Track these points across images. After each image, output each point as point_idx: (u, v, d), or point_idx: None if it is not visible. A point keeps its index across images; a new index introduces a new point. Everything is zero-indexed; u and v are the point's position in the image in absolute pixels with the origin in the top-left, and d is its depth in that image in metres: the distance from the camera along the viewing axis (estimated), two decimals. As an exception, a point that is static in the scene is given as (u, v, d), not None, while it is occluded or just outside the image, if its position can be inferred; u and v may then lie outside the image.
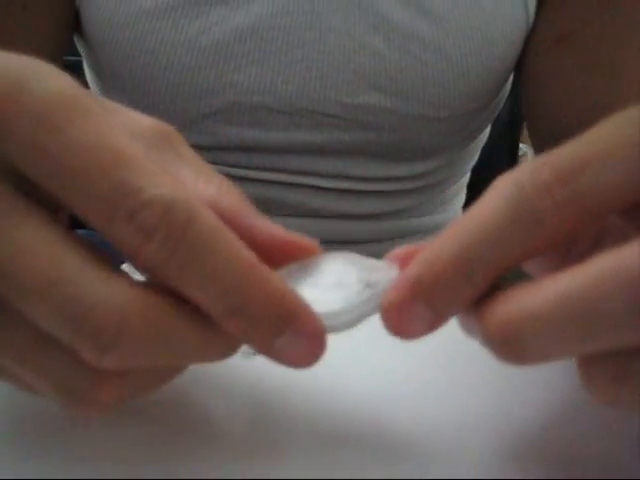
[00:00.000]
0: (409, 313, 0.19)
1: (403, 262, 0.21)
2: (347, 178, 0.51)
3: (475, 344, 0.20)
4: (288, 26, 0.45)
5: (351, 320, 0.20)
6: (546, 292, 0.18)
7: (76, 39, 0.51)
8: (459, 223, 0.19)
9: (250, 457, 0.22)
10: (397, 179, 0.52)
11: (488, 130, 0.60)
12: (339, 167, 0.50)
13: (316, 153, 0.49)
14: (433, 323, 0.19)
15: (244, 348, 0.20)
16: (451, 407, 0.25)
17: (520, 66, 0.51)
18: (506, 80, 0.52)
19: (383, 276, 0.21)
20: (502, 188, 0.19)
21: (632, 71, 0.49)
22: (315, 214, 0.52)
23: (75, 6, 0.48)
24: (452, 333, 0.21)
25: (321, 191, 0.51)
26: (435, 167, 0.52)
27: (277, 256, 0.21)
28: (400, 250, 0.21)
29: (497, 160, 0.78)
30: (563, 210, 0.18)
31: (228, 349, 0.20)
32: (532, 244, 0.19)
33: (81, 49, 0.52)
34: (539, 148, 0.55)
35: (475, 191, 0.78)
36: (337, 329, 0.20)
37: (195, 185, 0.21)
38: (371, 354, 0.28)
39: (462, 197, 0.63)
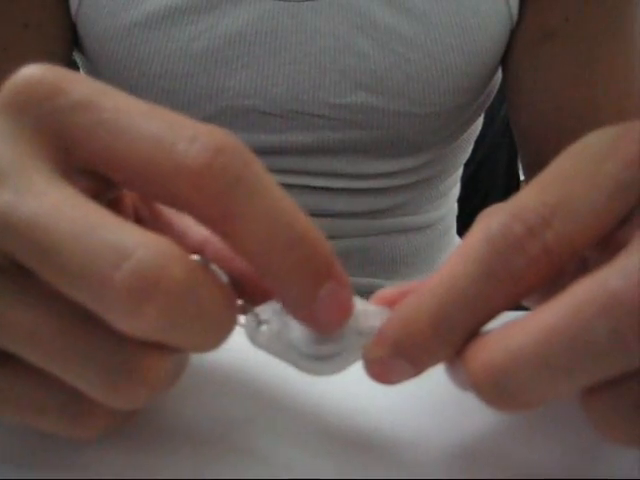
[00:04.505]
0: (391, 366, 0.20)
1: (391, 304, 0.21)
2: (339, 176, 0.52)
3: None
4: (274, 30, 0.47)
5: (342, 366, 0.21)
6: (527, 330, 0.18)
7: (74, 53, 0.54)
8: (434, 280, 0.19)
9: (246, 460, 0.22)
10: (388, 175, 0.53)
11: (480, 124, 0.60)
12: (331, 165, 0.51)
13: (308, 153, 0.51)
14: (414, 373, 0.20)
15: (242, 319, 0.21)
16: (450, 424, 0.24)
17: (505, 62, 0.52)
18: (491, 76, 0.53)
19: (375, 323, 0.21)
20: (473, 245, 0.19)
21: (615, 70, 0.50)
22: (310, 213, 0.53)
23: (72, 22, 0.50)
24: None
25: (315, 190, 0.52)
26: (425, 162, 0.53)
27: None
28: (386, 293, 0.22)
29: (497, 159, 0.79)
30: (537, 263, 0.18)
31: (228, 325, 0.19)
32: (509, 298, 0.19)
33: (80, 62, 0.54)
34: (521, 143, 0.56)
35: (476, 190, 0.79)
36: (328, 373, 0.21)
37: None
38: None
39: (456, 192, 0.64)
